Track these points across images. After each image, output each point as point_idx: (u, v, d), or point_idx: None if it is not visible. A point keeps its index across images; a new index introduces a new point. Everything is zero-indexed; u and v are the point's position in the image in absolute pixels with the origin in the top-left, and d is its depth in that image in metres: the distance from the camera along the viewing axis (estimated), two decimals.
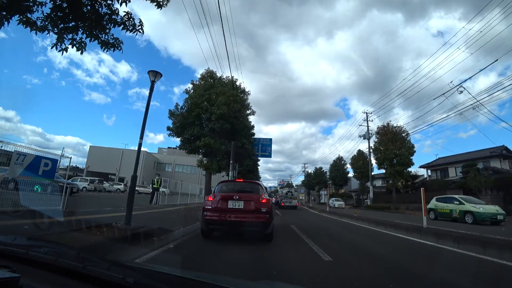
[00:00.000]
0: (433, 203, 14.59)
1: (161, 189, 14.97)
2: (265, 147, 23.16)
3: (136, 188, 8.79)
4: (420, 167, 34.61)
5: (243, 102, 16.46)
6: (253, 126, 20.49)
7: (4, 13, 3.46)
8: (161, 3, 4.40)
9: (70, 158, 8.37)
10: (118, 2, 3.97)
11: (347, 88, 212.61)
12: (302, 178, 61.25)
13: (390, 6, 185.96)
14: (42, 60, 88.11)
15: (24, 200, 5.99)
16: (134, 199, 6.35)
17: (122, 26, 4.22)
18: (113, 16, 4.15)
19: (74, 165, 47.99)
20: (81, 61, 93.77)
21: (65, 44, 3.93)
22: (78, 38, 4.02)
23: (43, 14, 3.77)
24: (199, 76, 18.85)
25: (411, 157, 25.17)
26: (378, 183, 42.49)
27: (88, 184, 24.60)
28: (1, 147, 6.04)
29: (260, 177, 49.38)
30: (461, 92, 17.55)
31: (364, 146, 51.19)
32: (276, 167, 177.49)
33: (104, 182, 31.14)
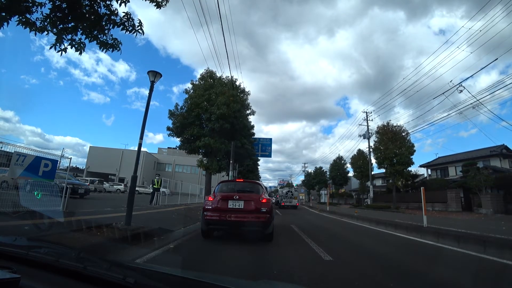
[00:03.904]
0: None
1: (161, 189, 14.97)
2: (265, 147, 23.16)
3: (136, 189, 8.79)
4: (420, 166, 34.55)
5: (243, 102, 16.45)
6: (253, 126, 20.51)
7: (4, 14, 3.46)
8: (160, 3, 4.39)
9: (70, 158, 8.33)
10: (117, 3, 3.97)
11: (348, 87, 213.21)
12: (302, 177, 61.21)
13: (392, 4, 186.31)
14: (39, 59, 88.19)
15: (24, 200, 5.99)
16: (134, 199, 6.36)
17: (121, 26, 4.22)
18: (112, 17, 4.15)
19: (74, 165, 47.98)
20: (79, 61, 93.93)
21: (64, 45, 3.92)
22: (77, 39, 4.02)
23: (42, 14, 3.77)
24: (198, 75, 18.87)
25: (411, 157, 25.10)
26: (378, 182, 42.45)
27: (88, 185, 24.57)
28: (1, 147, 6.04)
29: (260, 177, 49.39)
30: (461, 91, 17.52)
31: (364, 146, 51.20)
32: (276, 166, 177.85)
33: (104, 182, 31.14)
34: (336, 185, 42.53)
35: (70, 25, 3.90)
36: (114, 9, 4.14)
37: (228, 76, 16.71)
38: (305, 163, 64.91)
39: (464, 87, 17.51)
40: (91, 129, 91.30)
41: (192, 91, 16.33)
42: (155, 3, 4.36)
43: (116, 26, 4.18)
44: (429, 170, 33.92)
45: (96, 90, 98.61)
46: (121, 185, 33.55)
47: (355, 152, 35.59)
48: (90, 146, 47.11)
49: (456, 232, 6.55)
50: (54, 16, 3.78)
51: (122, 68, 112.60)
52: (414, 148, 25.42)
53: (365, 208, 25.55)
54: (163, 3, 4.42)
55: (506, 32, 18.95)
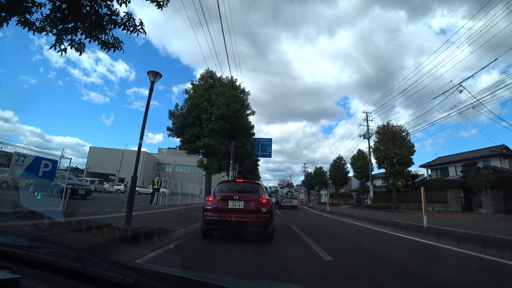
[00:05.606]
0: None
1: (161, 190, 14.97)
2: (265, 147, 23.17)
3: (136, 189, 8.79)
4: (420, 166, 34.52)
5: (243, 102, 16.45)
6: (253, 126, 20.50)
7: (3, 14, 3.45)
8: (161, 3, 4.39)
9: (70, 159, 8.33)
10: (118, 3, 3.96)
11: (349, 87, 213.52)
12: (302, 178, 61.19)
13: (393, 3, 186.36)
14: (38, 59, 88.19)
15: (24, 201, 5.99)
16: (134, 199, 6.35)
17: (122, 27, 4.21)
18: (113, 17, 4.14)
19: (74, 166, 47.98)
20: (78, 60, 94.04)
21: (64, 45, 3.92)
22: (77, 39, 4.01)
23: (42, 15, 3.76)
24: (198, 76, 18.88)
25: (411, 157, 25.13)
26: (378, 182, 42.42)
27: (89, 185, 24.57)
28: (1, 148, 6.03)
29: (260, 177, 49.36)
30: (461, 91, 17.53)
31: (364, 146, 51.23)
32: (276, 167, 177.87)
33: (104, 182, 31.15)
34: (336, 185, 42.50)
35: (70, 26, 3.89)
36: (115, 9, 4.13)
37: (228, 76, 16.74)
38: (305, 163, 64.93)
39: (464, 87, 17.53)
40: (91, 129, 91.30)
41: (192, 91, 16.34)
42: (156, 3, 4.35)
43: (117, 26, 4.18)
44: (429, 170, 33.91)
45: (95, 90, 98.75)
46: (121, 185, 33.52)
47: (355, 152, 35.66)
48: (90, 146, 47.15)
49: (456, 232, 6.55)
50: (54, 17, 3.77)
51: (121, 68, 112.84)
52: (414, 148, 25.46)
53: (365, 208, 25.55)
54: (164, 3, 4.41)
55: (507, 32, 18.96)
